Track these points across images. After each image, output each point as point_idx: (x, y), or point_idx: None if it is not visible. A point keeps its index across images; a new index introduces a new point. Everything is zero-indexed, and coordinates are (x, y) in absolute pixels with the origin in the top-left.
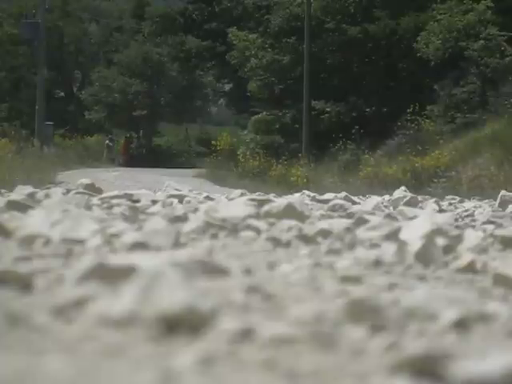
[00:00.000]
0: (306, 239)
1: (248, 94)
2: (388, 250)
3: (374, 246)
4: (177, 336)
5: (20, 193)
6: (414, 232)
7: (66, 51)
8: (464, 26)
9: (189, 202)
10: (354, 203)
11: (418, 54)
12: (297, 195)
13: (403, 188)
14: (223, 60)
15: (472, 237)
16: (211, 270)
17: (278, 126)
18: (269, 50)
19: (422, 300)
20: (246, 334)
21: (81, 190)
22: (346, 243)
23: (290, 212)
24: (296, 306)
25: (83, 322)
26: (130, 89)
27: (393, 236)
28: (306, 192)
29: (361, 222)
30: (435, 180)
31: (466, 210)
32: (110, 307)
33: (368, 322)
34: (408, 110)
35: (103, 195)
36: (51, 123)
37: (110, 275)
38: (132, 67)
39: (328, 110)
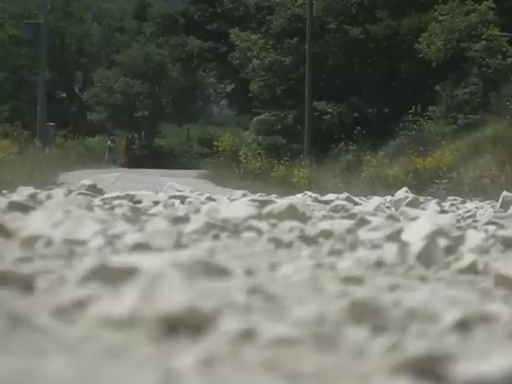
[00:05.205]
0: (307, 240)
1: (250, 94)
2: (390, 250)
3: (375, 246)
4: (178, 337)
5: (22, 194)
6: (415, 233)
7: (67, 52)
8: (466, 27)
9: (190, 202)
10: (356, 204)
11: (420, 55)
12: (299, 196)
13: (405, 189)
14: (225, 61)
15: (474, 238)
16: (213, 270)
17: (279, 127)
18: (270, 50)
19: (424, 301)
20: (247, 335)
21: (82, 191)
22: (348, 244)
23: (291, 213)
24: (297, 306)
25: (85, 322)
26: (131, 90)
27: (394, 237)
28: (308, 193)
29: (362, 222)
30: (437, 181)
31: (468, 211)
32: (111, 308)
33: (369, 322)
34: (410, 111)
35: (105, 196)
36: (53, 124)
37: (111, 276)
38: (133, 68)
39: (330, 110)
